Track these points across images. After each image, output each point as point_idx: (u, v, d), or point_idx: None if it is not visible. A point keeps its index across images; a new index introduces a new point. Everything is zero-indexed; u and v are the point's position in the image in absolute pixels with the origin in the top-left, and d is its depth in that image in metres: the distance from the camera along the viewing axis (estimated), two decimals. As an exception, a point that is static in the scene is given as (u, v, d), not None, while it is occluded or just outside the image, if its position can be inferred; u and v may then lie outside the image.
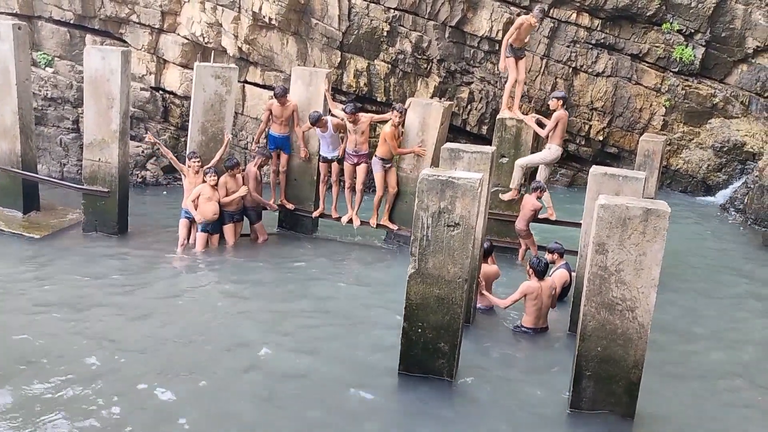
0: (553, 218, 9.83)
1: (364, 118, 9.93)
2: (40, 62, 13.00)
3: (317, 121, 9.72)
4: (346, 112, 9.70)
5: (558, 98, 9.91)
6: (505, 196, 10.14)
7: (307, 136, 10.35)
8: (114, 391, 5.88)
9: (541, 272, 7.63)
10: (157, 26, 13.30)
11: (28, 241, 9.66)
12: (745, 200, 12.97)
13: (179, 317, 7.50)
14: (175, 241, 9.71)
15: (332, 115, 10.12)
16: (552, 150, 9.93)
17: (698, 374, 7.15)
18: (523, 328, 7.68)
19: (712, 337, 8.07)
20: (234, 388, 6.13)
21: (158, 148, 11.58)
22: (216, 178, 9.44)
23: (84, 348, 6.60)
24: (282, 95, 10.07)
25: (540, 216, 9.61)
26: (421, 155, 9.91)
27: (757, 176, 12.74)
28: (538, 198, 9.40)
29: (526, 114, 10.71)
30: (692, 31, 13.83)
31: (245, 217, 10.03)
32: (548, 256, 8.35)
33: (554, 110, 9.87)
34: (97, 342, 6.74)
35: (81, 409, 5.61)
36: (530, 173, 10.29)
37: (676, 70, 14.01)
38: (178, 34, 13.42)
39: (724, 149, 14.16)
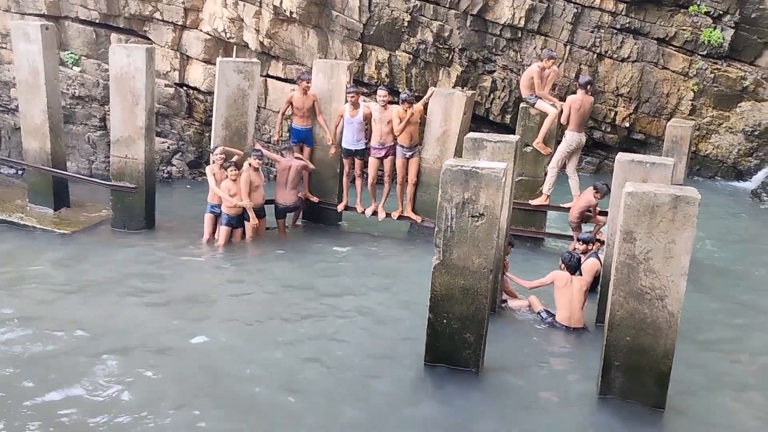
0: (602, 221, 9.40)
1: (393, 108, 9.89)
2: (67, 61, 13.19)
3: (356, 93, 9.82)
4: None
5: (579, 84, 9.80)
6: (535, 202, 9.99)
7: (330, 129, 10.35)
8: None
9: (573, 267, 7.55)
10: (179, 23, 13.41)
11: (59, 237, 9.84)
12: (778, 185, 12.69)
13: (202, 309, 7.59)
14: (201, 235, 9.81)
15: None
16: (567, 138, 9.79)
17: (731, 365, 7.02)
18: (557, 324, 7.54)
19: (746, 326, 7.92)
20: (254, 376, 6.18)
21: (183, 143, 11.55)
22: (237, 171, 9.48)
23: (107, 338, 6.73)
24: (307, 79, 10.11)
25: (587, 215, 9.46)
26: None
27: (789, 160, 12.45)
28: (595, 196, 9.25)
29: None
30: (720, 12, 13.52)
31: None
32: (579, 246, 8.25)
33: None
34: (125, 334, 6.87)
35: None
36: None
37: (705, 53, 13.71)
38: (201, 30, 13.51)
39: (755, 133, 13.84)
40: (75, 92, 13.01)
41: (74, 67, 13.25)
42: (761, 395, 6.46)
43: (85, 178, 11.85)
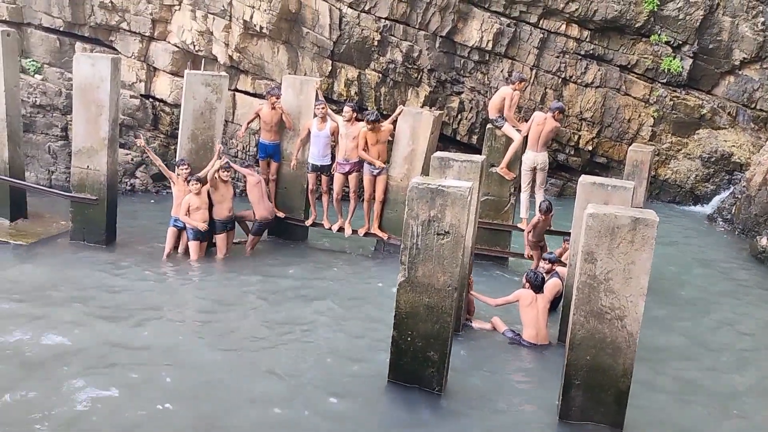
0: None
1: (359, 125, 9.90)
2: (29, 69, 12.93)
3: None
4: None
5: (550, 107, 10.19)
6: (521, 226, 10.00)
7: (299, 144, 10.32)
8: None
9: (537, 286, 7.64)
10: (147, 34, 13.28)
11: (14, 249, 9.56)
12: (733, 210, 13.08)
13: (162, 326, 7.44)
14: (163, 250, 9.64)
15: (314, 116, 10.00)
16: (523, 158, 9.99)
17: (686, 384, 7.16)
18: (523, 342, 7.59)
19: (699, 347, 8.09)
20: (217, 393, 6.08)
21: (147, 155, 11.46)
22: (199, 185, 9.38)
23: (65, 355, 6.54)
24: (276, 94, 10.07)
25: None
26: (373, 163, 9.75)
27: (744, 186, 12.86)
28: (543, 217, 9.36)
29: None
30: (680, 42, 13.98)
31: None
32: (545, 266, 8.38)
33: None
34: (81, 350, 6.69)
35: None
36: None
37: (664, 81, 14.14)
38: (169, 42, 13.40)
39: (712, 160, 14.28)
40: (36, 101, 12.74)
41: (36, 75, 12.99)
42: (714, 410, 6.59)
43: (44, 188, 11.56)
